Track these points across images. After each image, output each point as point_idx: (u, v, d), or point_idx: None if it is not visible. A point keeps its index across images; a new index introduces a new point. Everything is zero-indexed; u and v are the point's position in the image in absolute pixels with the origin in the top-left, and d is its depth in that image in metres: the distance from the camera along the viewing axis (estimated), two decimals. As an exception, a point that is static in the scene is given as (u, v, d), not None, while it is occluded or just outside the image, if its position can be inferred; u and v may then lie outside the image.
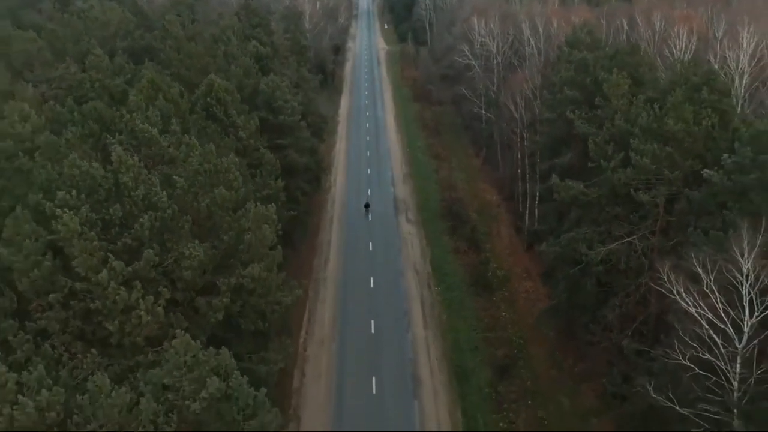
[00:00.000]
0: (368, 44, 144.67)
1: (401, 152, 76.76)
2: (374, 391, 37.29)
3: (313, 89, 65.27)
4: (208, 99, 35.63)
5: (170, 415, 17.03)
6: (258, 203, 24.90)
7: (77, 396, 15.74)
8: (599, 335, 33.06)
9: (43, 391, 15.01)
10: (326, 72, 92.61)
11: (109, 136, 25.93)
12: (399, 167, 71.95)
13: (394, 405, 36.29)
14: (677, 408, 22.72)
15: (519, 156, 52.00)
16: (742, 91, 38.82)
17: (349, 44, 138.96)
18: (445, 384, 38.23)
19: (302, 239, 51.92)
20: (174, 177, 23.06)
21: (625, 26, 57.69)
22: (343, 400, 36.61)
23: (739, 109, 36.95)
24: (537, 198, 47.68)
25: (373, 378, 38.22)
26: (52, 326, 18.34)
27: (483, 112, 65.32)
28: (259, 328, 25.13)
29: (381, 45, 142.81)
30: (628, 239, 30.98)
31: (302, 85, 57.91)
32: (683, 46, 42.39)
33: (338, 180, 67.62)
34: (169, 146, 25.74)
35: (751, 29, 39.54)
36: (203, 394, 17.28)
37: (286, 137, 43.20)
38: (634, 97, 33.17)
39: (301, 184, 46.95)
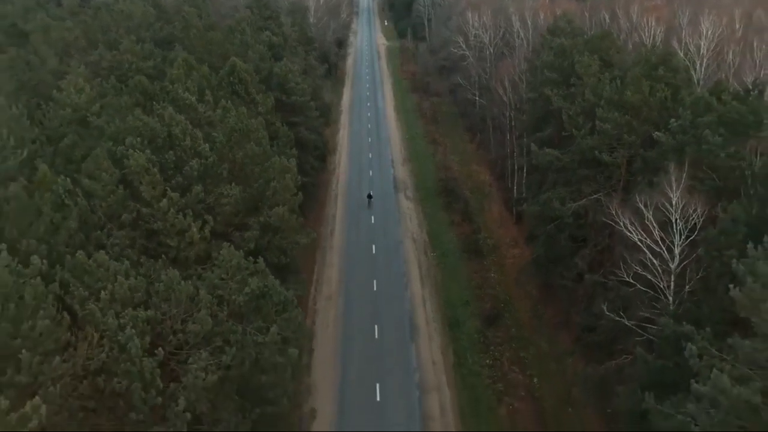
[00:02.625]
0: (369, 40, 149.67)
1: (400, 138, 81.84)
2: (376, 336, 42.32)
3: (319, 77, 70.25)
4: (231, 78, 40.64)
5: (221, 305, 22.10)
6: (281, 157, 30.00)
7: (154, 284, 20.78)
8: (572, 282, 38.11)
9: (131, 277, 20.05)
10: (330, 63, 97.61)
11: (155, 103, 30.93)
12: (398, 151, 77.05)
13: (394, 347, 41.29)
14: (625, 321, 27.80)
15: (508, 136, 57.01)
16: (702, 72, 43.82)
17: (351, 40, 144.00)
18: (439, 331, 43.27)
19: (311, 210, 56.87)
20: (213, 134, 28.10)
21: (607, 19, 62.76)
22: (349, 344, 41.59)
23: (698, 89, 42.01)
24: (524, 172, 52.70)
25: (376, 326, 43.25)
26: (123, 243, 23.34)
27: (476, 98, 70.36)
28: (281, 263, 30.15)
29: (381, 41, 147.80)
30: (595, 196, 36.01)
31: (309, 72, 62.99)
32: (652, 33, 47.46)
33: (342, 162, 72.70)
34: (205, 112, 30.78)
35: (710, 18, 44.61)
36: (246, 290, 22.35)
37: (298, 115, 48.29)
38: (603, 75, 38.20)
39: (310, 159, 51.97)
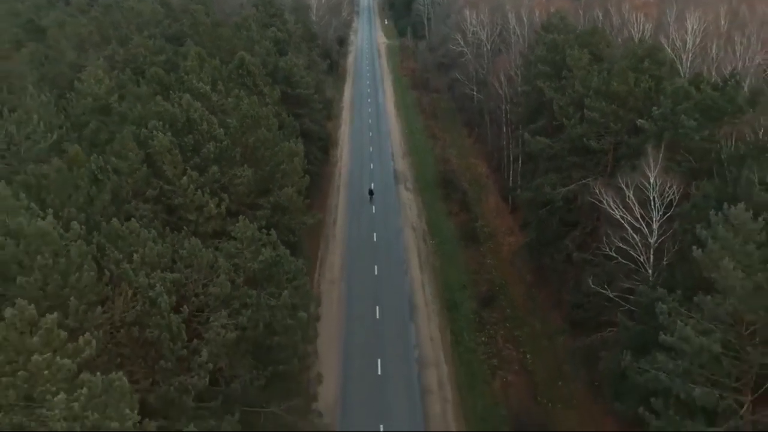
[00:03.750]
0: (369, 39, 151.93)
1: (400, 133, 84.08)
2: (378, 317, 44.56)
3: (322, 72, 72.50)
4: (240, 71, 42.85)
5: (238, 272, 24.32)
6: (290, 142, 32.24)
7: (178, 251, 23.01)
8: (562, 263, 40.34)
9: (158, 244, 22.27)
10: (332, 60, 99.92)
11: (171, 92, 33.15)
12: (398, 145, 79.28)
13: (394, 326, 43.51)
14: (609, 294, 30.03)
15: (504, 128, 59.25)
16: (688, 66, 46.03)
17: (351, 38, 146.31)
18: (437, 312, 45.49)
19: (314, 200, 59.01)
20: (227, 120, 30.33)
21: (600, 16, 65.00)
22: (352, 323, 43.80)
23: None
24: (519, 162, 54.94)
25: (377, 307, 45.47)
26: (148, 216, 25.56)
27: (474, 93, 72.62)
28: (290, 241, 32.37)
29: (381, 39, 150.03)
30: (584, 181, 38.22)
31: (312, 67, 65.24)
32: (641, 29, 49.70)
33: (344, 155, 74.94)
34: (218, 101, 33.00)
35: (696, 15, 46.85)
36: (260, 258, 24.58)
37: (302, 108, 50.52)
38: (592, 68, 40.43)
39: (314, 150, 54.17)
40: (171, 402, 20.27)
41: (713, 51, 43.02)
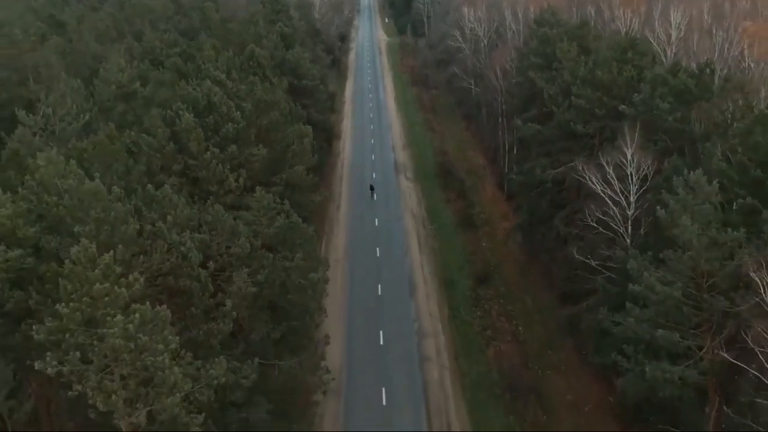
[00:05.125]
0: (370, 37, 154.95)
1: (400, 126, 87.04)
2: (380, 293, 47.47)
3: (326, 66, 75.43)
4: (251, 62, 45.70)
5: (256, 237, 27.21)
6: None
7: (203, 216, 25.91)
8: (552, 241, 43.24)
9: (187, 209, 25.17)
10: (334, 56, 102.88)
11: (190, 80, 36.02)
12: (398, 138, 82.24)
13: (395, 302, 46.36)
14: (592, 262, 32.91)
15: (500, 119, 62.19)
16: (671, 57, 48.92)
17: (353, 36, 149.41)
18: (435, 289, 48.37)
19: (319, 187, 61.98)
20: (242, 104, 33.21)
21: (592, 13, 67.97)
22: (355, 299, 46.66)
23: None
24: (515, 150, 57.88)
25: (379, 285, 48.34)
26: (175, 187, 28.43)
27: (472, 86, 75.59)
28: (300, 215, 35.20)
29: (382, 37, 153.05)
30: (571, 164, 41.08)
31: (316, 61, 68.13)
32: (629, 23, 52.66)
33: (346, 147, 77.91)
34: (233, 87, 35.87)
35: (680, 10, 49.80)
36: (275, 225, 27.48)
37: (308, 98, 53.40)
38: (579, 59, 43.33)
39: (318, 140, 56.95)
40: (200, 345, 23.15)
41: (694, 43, 45.89)
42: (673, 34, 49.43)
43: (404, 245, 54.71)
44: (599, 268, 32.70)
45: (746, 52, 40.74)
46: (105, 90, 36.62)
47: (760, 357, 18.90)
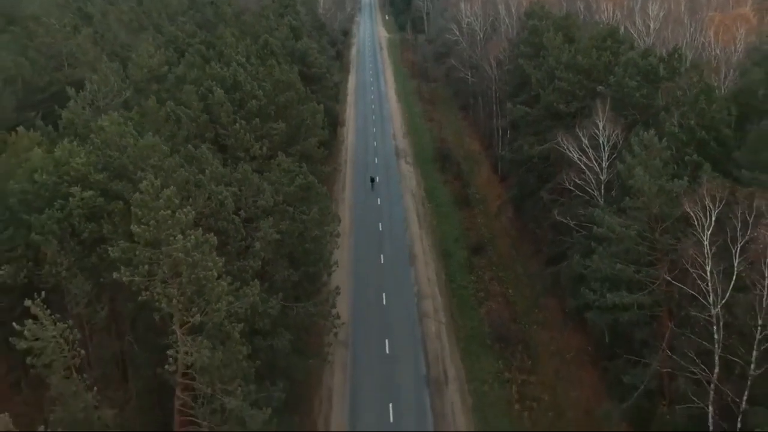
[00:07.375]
0: (371, 33, 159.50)
1: (401, 116, 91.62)
2: (382, 262, 52.01)
3: (330, 57, 79.96)
4: (265, 51, 50.20)
5: (278, 193, 31.72)
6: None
7: (234, 174, 30.41)
8: (540, 211, 47.74)
9: (220, 166, 29.69)
10: (338, 49, 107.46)
11: (213, 63, 40.49)
12: (399, 127, 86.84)
13: (396, 270, 50.91)
14: (570, 223, 37.42)
15: (494, 107, 66.74)
16: (650, 46, 53.35)
17: (354, 32, 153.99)
18: (433, 259, 52.93)
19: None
20: (262, 83, 37.72)
21: (581, 8, 72.44)
22: (359, 266, 51.17)
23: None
24: (508, 134, 62.37)
25: (381, 255, 52.89)
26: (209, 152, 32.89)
27: (468, 77, 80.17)
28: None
29: (382, 33, 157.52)
30: (555, 141, 45.58)
31: (323, 52, 72.63)
32: (612, 15, 57.20)
33: (349, 134, 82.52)
34: (252, 69, 40.36)
35: (658, 3, 54.32)
36: (296, 182, 32.01)
37: (316, 85, 57.93)
38: (563, 47, 47.83)
39: (325, 126, 61.49)
40: (235, 278, 27.64)
41: (669, 33, 50.40)
42: (651, 24, 53.95)
43: (404, 221, 59.24)
44: (576, 228, 37.20)
45: (713, 39, 45.10)
46: (138, 73, 41.07)
47: (693, 275, 23.38)
